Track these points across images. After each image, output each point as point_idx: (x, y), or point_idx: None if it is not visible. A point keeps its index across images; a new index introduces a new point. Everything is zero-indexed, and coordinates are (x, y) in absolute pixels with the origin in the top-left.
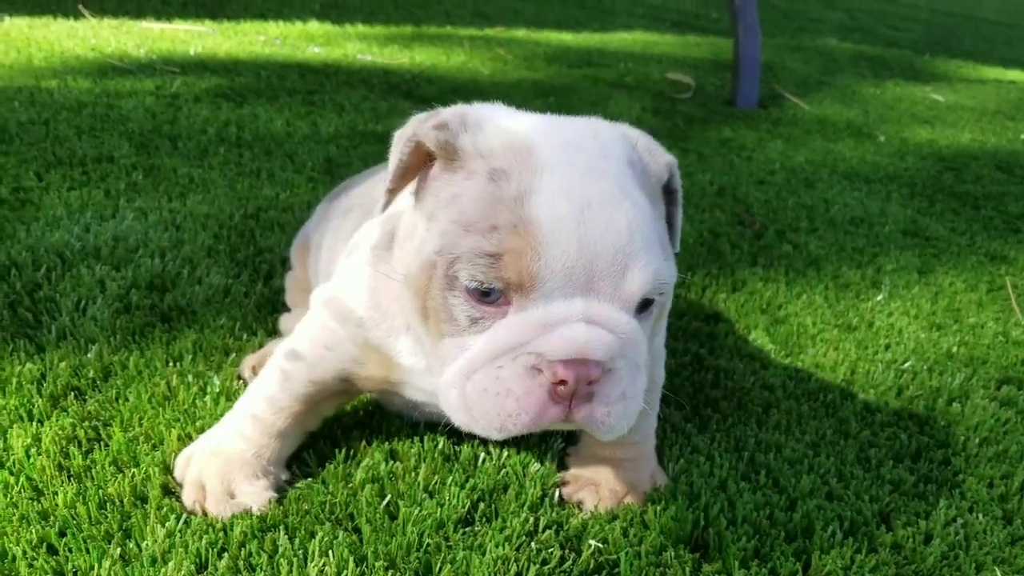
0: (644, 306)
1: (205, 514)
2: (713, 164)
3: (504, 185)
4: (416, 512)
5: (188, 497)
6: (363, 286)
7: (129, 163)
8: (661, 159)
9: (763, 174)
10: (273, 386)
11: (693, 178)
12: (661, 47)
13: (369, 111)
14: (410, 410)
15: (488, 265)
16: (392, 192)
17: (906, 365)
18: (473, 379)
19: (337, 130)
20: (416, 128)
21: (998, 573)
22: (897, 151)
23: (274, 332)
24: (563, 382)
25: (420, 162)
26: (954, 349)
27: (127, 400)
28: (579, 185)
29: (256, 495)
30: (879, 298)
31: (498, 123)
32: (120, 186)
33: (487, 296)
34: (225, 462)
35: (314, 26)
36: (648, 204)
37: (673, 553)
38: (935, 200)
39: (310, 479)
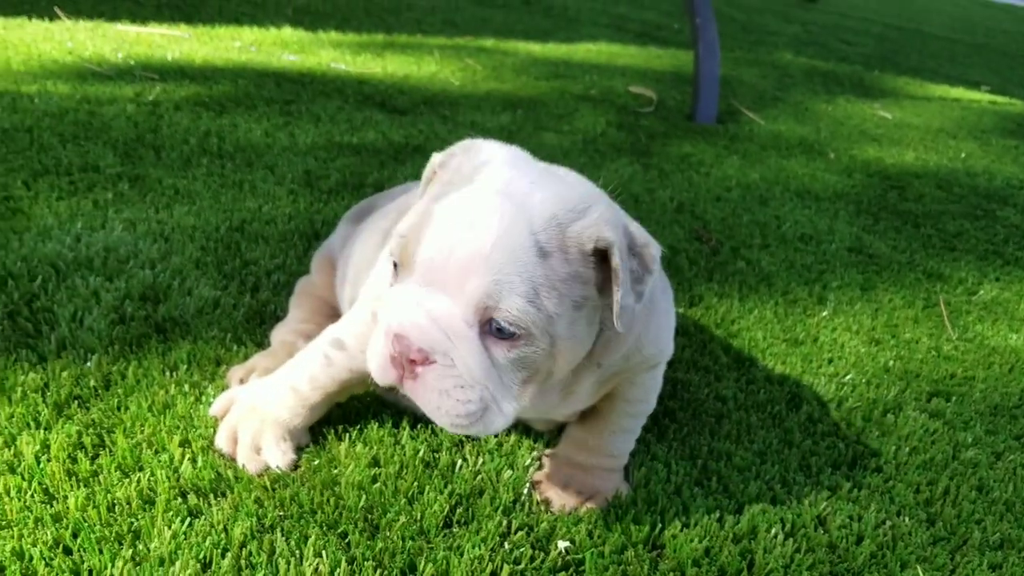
0: (499, 332)
1: (233, 458)
2: (673, 180)
3: (443, 188)
4: (400, 519)
5: (221, 440)
6: None
7: (114, 173)
8: (595, 233)
9: (720, 190)
10: (316, 367)
11: (655, 194)
12: (624, 59)
13: (344, 122)
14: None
15: (397, 245)
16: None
17: (847, 378)
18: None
19: (314, 141)
20: (437, 155)
21: (919, 571)
22: (846, 168)
23: (262, 344)
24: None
25: None
26: (891, 363)
27: (128, 409)
28: (476, 205)
29: (280, 455)
30: (824, 314)
31: (489, 152)
32: (107, 196)
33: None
34: (260, 421)
35: (288, 32)
36: (535, 256)
37: (633, 553)
38: (879, 218)
39: (303, 483)
